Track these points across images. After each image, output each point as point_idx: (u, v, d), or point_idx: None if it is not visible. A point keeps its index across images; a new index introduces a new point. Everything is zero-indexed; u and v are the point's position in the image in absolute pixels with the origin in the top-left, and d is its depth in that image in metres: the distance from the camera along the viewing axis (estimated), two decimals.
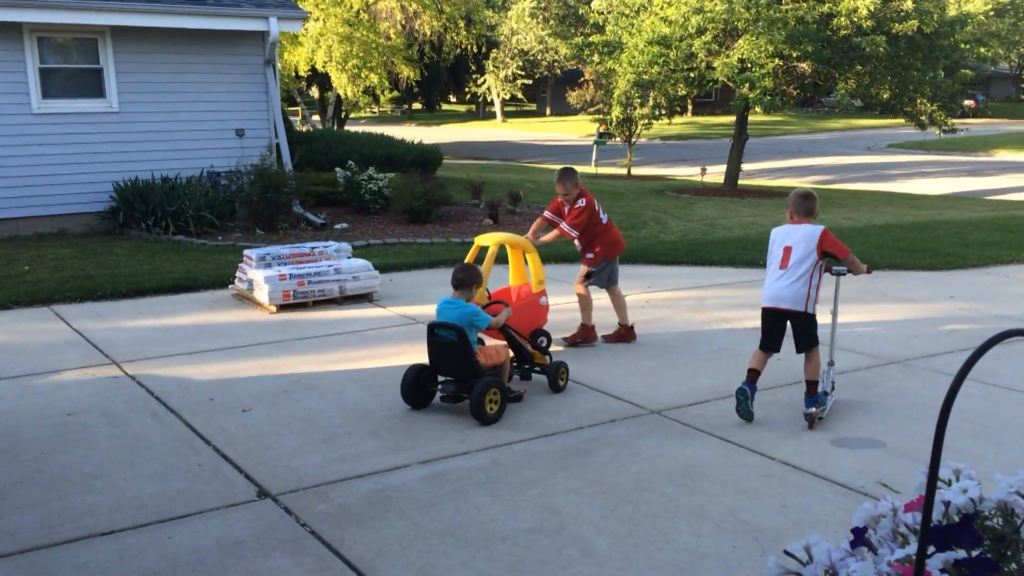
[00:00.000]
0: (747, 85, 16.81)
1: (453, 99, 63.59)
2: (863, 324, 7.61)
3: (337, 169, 14.23)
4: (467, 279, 5.56)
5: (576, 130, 43.63)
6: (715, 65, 17.19)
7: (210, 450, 4.76)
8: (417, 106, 59.33)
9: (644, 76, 18.25)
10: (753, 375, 5.30)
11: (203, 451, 4.75)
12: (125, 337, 7.06)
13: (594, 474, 4.45)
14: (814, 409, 5.18)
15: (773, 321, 5.38)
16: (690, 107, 44.68)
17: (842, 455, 4.72)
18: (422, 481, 4.37)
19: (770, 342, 5.40)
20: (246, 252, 8.61)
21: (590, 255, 7.04)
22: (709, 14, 16.85)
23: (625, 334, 7.08)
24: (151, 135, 12.33)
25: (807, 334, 5.35)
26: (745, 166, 20.58)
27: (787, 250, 5.38)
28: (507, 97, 53.94)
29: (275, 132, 13.23)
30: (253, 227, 12.14)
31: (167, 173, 12.18)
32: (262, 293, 8.01)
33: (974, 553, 1.51)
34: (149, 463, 4.58)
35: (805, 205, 5.56)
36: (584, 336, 7.01)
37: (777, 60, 16.80)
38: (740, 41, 16.90)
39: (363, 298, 8.40)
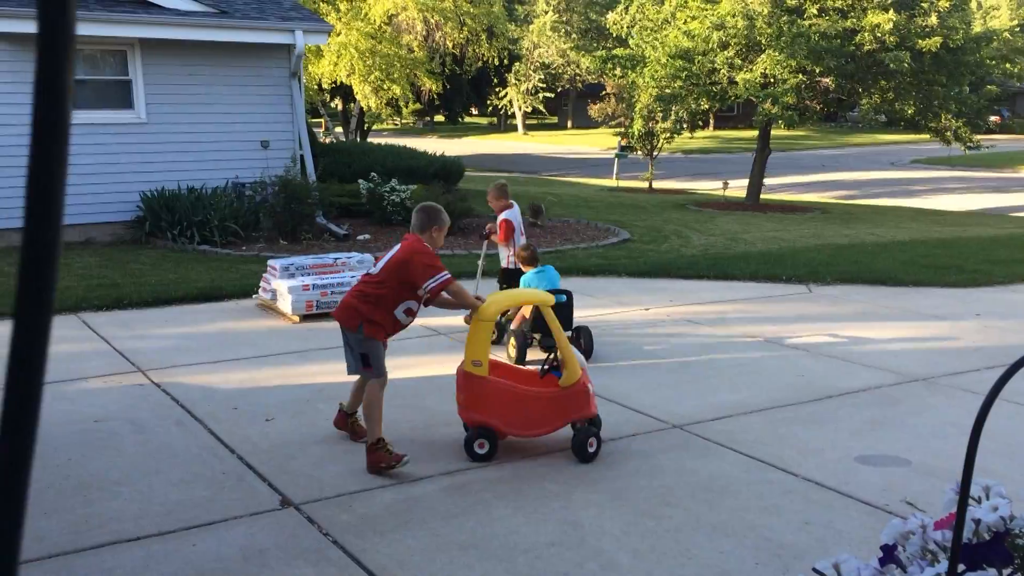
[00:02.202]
0: (769, 100, 16.77)
1: (475, 112, 63.87)
2: (887, 341, 7.56)
3: (360, 180, 14.33)
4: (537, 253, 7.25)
5: (597, 143, 43.66)
6: (737, 80, 17.18)
7: (234, 458, 4.80)
8: (439, 118, 59.72)
9: (666, 90, 18.26)
10: None
11: (227, 459, 4.79)
12: (151, 345, 7.13)
13: (615, 488, 4.45)
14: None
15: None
16: (712, 121, 44.64)
17: (866, 472, 4.68)
18: (444, 492, 4.38)
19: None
20: (270, 262, 8.69)
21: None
22: (731, 30, 16.86)
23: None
24: (178, 146, 12.48)
25: (502, 281, 7.71)
26: (767, 180, 20.50)
27: (520, 224, 7.94)
28: (529, 110, 54.09)
29: (299, 144, 13.36)
30: (277, 237, 12.25)
31: (193, 183, 12.32)
32: (285, 303, 8.07)
33: (1005, 572, 1.50)
34: (174, 470, 4.62)
35: (508, 190, 7.92)
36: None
37: (800, 75, 16.77)
38: (762, 56, 16.89)
39: None
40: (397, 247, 4.93)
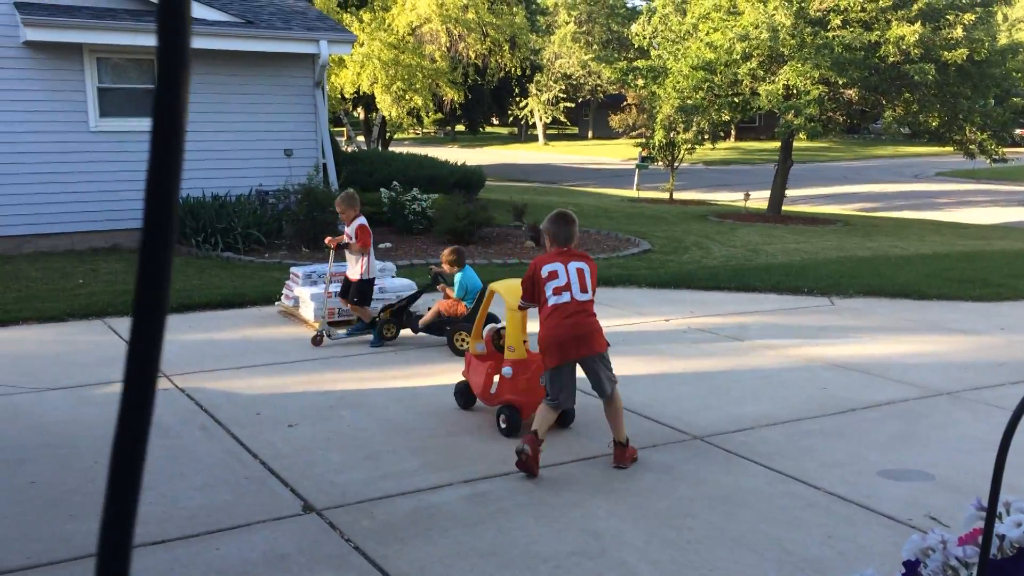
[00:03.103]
0: (792, 112, 16.72)
1: (496, 121, 64.10)
2: (911, 355, 7.51)
3: (381, 189, 14.41)
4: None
5: (618, 154, 43.67)
6: (760, 91, 17.15)
7: (257, 464, 4.84)
8: (460, 128, 60.00)
9: (688, 101, 18.25)
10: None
11: (250, 464, 4.84)
12: (175, 351, 7.20)
13: (636, 498, 4.45)
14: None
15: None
16: (733, 132, 44.53)
17: (889, 486, 4.65)
18: (464, 500, 4.40)
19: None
20: (292, 269, 8.76)
21: None
22: (754, 41, 16.83)
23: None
24: (203, 154, 12.62)
25: (359, 293, 7.68)
26: (789, 192, 20.40)
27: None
28: (549, 120, 54.21)
29: (322, 152, 13.47)
30: (299, 245, 12.34)
31: (217, 191, 12.45)
32: (308, 310, 8.13)
33: None
34: (198, 475, 4.67)
35: (357, 199, 7.76)
36: None
37: (822, 87, 16.70)
38: (785, 67, 16.85)
39: None
40: (582, 264, 4.90)
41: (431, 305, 7.69)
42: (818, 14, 16.88)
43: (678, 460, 5.00)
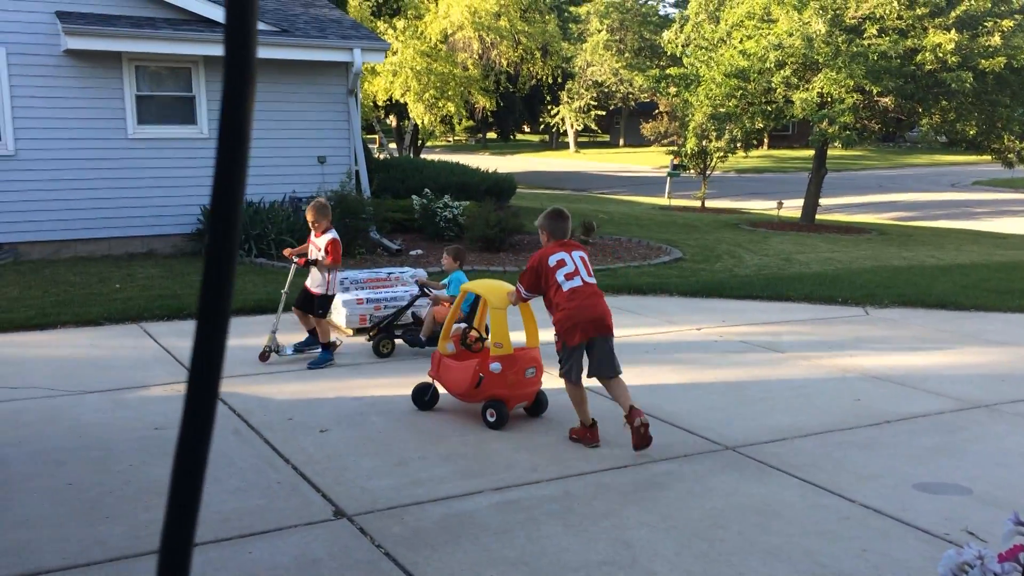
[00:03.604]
0: (826, 120, 16.56)
1: (527, 129, 64.18)
2: (948, 366, 7.39)
3: (413, 196, 14.49)
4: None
5: (649, 161, 43.52)
6: (794, 99, 17.01)
7: (289, 468, 4.88)
8: (492, 135, 60.15)
9: (721, 109, 18.15)
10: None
11: (282, 469, 4.87)
12: None
13: (667, 508, 4.42)
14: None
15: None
16: (766, 140, 44.18)
17: (925, 500, 4.58)
18: (494, 508, 4.40)
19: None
20: None
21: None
22: (789, 49, 16.71)
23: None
24: None
25: (324, 306, 7.17)
26: (823, 201, 20.19)
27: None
28: (580, 128, 54.18)
29: (355, 159, 13.58)
30: None
31: (251, 197, 12.58)
32: (339, 316, 8.18)
33: None
34: (231, 479, 4.71)
35: (329, 209, 7.26)
36: None
37: (857, 95, 16.53)
38: (819, 75, 16.70)
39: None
40: (582, 253, 5.45)
41: (419, 311, 7.72)
42: (853, 22, 16.72)
43: (710, 470, 4.96)
